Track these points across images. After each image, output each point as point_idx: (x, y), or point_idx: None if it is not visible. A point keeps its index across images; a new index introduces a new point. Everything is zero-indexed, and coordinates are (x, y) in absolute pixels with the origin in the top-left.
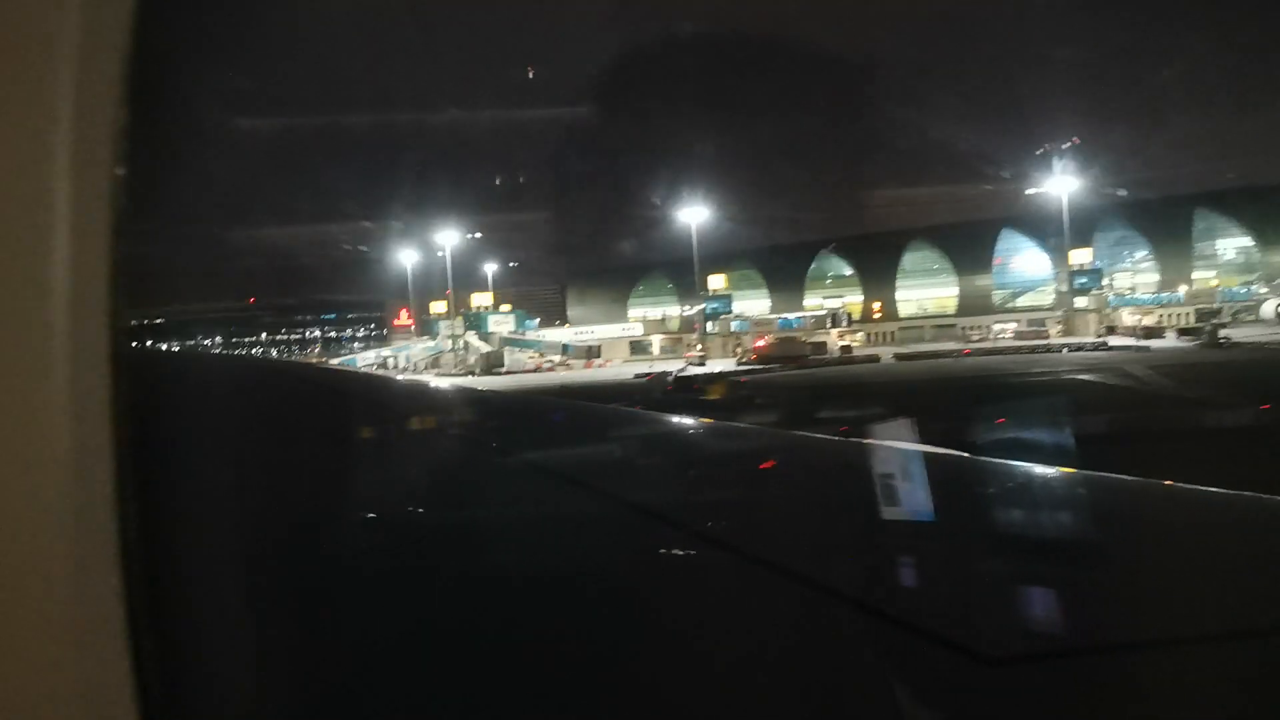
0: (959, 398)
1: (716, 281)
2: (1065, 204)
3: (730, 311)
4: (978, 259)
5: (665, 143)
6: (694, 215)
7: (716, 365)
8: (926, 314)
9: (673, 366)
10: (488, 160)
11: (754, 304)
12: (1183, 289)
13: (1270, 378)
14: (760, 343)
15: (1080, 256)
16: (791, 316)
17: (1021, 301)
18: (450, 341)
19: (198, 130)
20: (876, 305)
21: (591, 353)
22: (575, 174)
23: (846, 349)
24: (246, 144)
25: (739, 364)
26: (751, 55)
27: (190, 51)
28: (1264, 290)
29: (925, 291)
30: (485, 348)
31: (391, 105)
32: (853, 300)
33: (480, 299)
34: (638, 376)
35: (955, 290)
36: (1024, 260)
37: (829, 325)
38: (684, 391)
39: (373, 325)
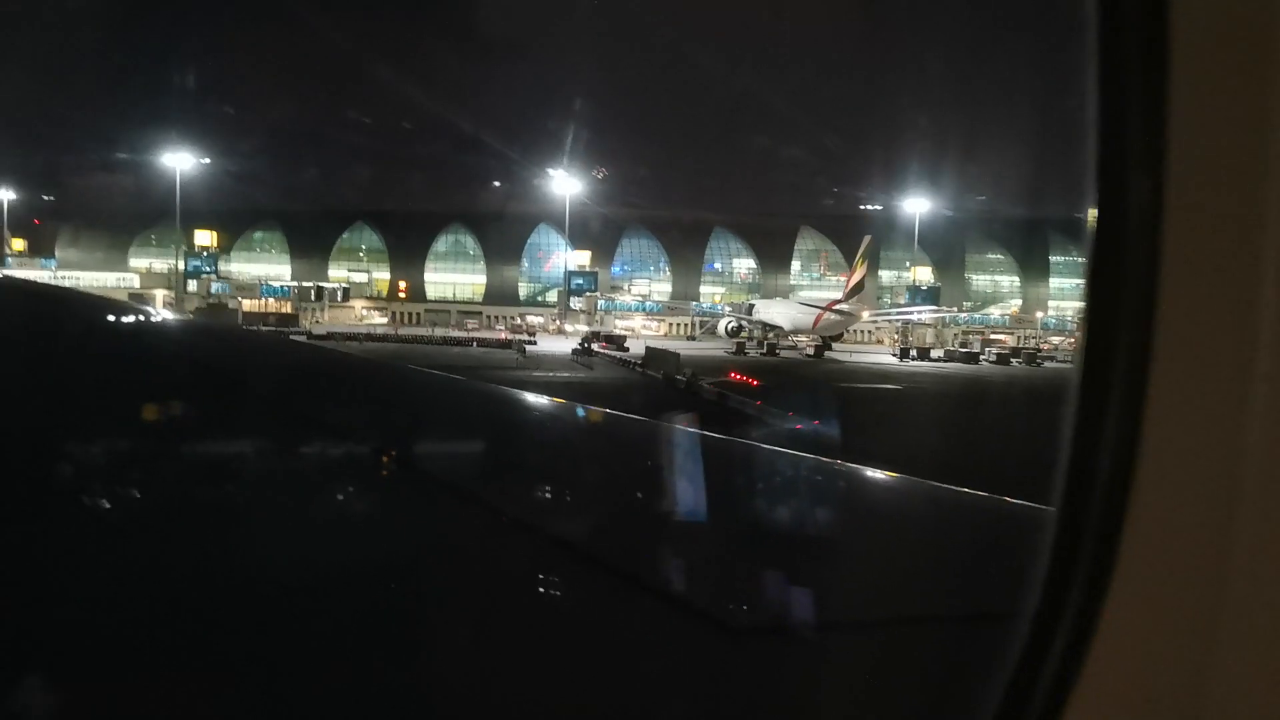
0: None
1: (204, 238)
2: (567, 206)
3: (213, 272)
4: (509, 250)
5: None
6: (179, 160)
7: None
8: (455, 298)
9: None
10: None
11: (276, 269)
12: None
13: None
14: (193, 308)
15: (579, 259)
16: (278, 285)
17: (550, 296)
18: None
19: None
20: (403, 284)
21: None
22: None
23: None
24: None
25: None
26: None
27: None
28: (727, 309)
29: (457, 276)
30: None
31: None
32: (381, 277)
33: None
34: None
35: (484, 278)
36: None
37: (314, 297)
38: None
39: None
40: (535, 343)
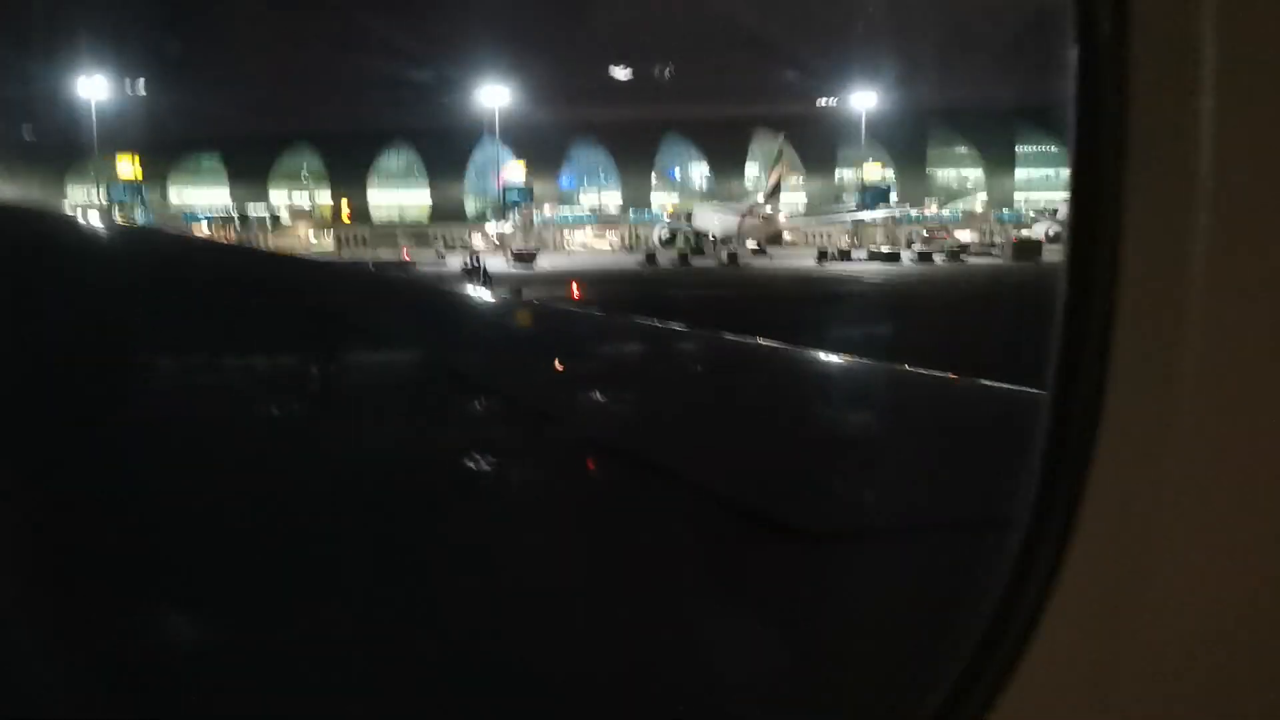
0: None
1: (125, 167)
2: (497, 117)
3: (137, 199)
4: (453, 167)
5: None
6: (95, 88)
7: None
8: (402, 219)
9: None
10: None
11: (215, 196)
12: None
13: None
14: None
15: (513, 173)
16: (198, 214)
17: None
18: None
19: None
20: (345, 206)
21: None
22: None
23: None
24: None
25: None
26: None
27: None
28: (666, 218)
29: (402, 195)
30: None
31: None
32: (324, 200)
33: None
34: None
35: (429, 197)
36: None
37: (239, 225)
38: None
39: None
40: (445, 260)
